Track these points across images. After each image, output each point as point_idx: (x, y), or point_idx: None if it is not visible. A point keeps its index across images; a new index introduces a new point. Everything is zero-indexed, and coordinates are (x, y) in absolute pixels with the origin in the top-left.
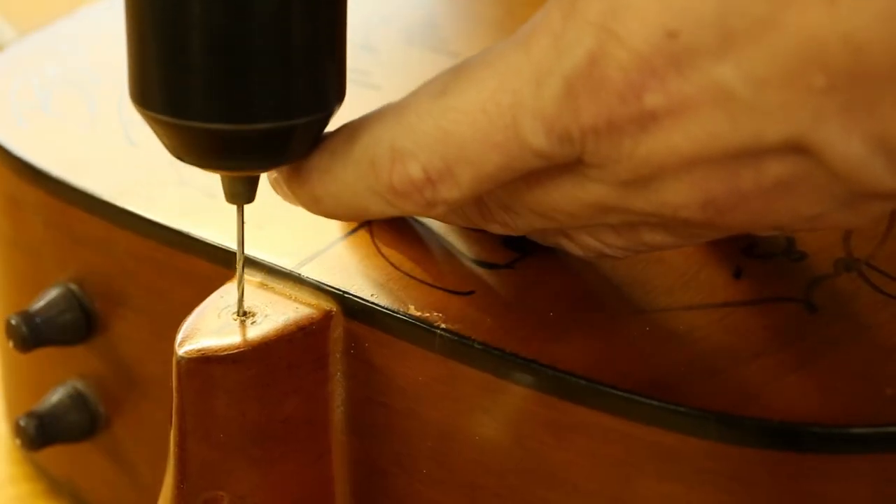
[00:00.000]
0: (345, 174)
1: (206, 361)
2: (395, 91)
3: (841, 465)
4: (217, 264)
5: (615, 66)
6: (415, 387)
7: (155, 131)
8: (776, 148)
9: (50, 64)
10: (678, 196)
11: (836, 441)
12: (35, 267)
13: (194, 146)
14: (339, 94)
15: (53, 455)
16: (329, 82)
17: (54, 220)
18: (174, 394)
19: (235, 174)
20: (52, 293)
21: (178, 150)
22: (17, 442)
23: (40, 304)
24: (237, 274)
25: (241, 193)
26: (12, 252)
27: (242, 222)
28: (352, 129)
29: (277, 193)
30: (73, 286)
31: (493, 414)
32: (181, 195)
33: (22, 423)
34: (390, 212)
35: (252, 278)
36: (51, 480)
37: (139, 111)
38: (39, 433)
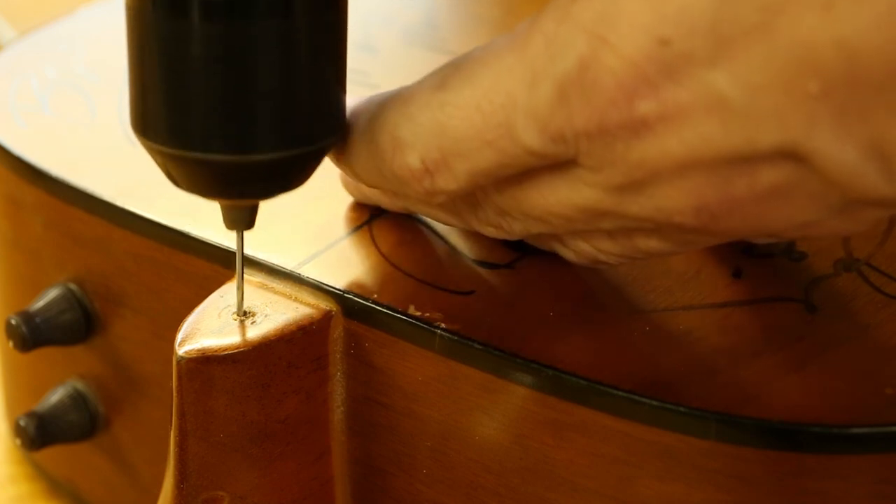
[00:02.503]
0: (360, 154)
1: (206, 361)
2: None
3: (840, 464)
4: (216, 264)
5: (606, 72)
6: (415, 386)
7: (156, 161)
8: (770, 154)
9: (49, 64)
10: (672, 201)
11: (836, 441)
12: (35, 267)
13: (195, 177)
14: (338, 124)
15: (53, 455)
16: (329, 113)
17: (54, 221)
18: (174, 394)
19: (235, 203)
20: (52, 293)
21: (178, 180)
22: (17, 442)
23: (40, 304)
24: (237, 278)
25: (241, 220)
26: (12, 252)
27: (242, 247)
28: (370, 111)
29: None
30: (73, 286)
31: (493, 414)
32: (180, 195)
33: (22, 423)
34: (398, 192)
35: (252, 278)
36: (51, 480)
37: (140, 141)
38: (39, 433)
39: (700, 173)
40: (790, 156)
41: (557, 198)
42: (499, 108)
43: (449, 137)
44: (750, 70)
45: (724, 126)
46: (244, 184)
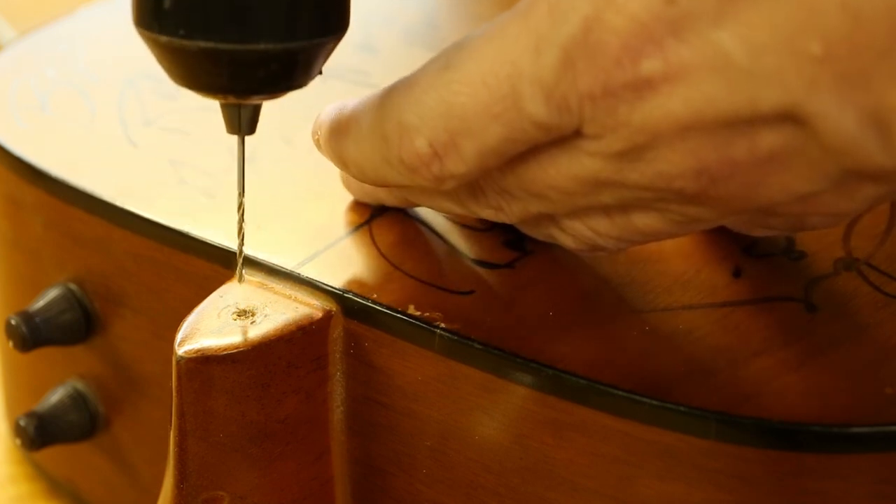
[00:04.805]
0: (364, 144)
1: (206, 361)
2: None
3: (840, 464)
4: (216, 264)
5: (611, 31)
6: (414, 386)
7: (155, 55)
8: (771, 117)
9: (49, 64)
10: (672, 165)
11: (836, 441)
12: (35, 267)
13: (194, 68)
14: (342, 21)
15: (53, 455)
16: (332, 7)
17: (54, 221)
18: (174, 394)
19: (236, 101)
20: (52, 293)
21: (178, 74)
22: (17, 442)
23: (40, 304)
24: (238, 185)
25: (242, 122)
26: (12, 252)
27: (243, 154)
28: (374, 101)
29: (319, 151)
30: (73, 286)
31: (493, 413)
32: (180, 195)
33: (22, 423)
34: (407, 183)
35: (252, 278)
36: (51, 480)
37: (140, 33)
38: (39, 433)
39: (701, 135)
40: (791, 119)
41: (558, 170)
42: (504, 80)
43: (456, 116)
44: (754, 29)
45: (727, 86)
46: (246, 78)
